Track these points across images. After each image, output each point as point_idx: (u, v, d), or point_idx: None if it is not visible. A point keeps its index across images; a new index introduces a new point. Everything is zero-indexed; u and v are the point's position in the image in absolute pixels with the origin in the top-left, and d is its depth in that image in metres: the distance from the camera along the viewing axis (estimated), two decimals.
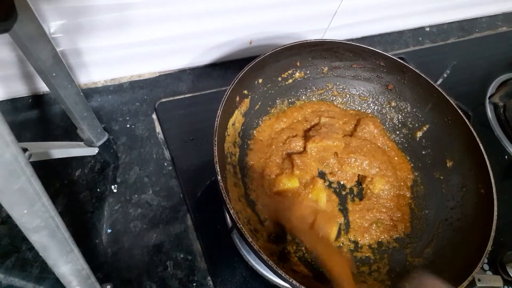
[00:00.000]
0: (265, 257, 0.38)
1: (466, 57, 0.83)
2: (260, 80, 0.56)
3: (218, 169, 0.42)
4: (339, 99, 0.64)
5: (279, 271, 0.38)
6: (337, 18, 0.71)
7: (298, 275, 0.47)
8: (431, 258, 0.50)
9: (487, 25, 0.92)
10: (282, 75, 0.59)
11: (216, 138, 0.44)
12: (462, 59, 0.79)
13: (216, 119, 0.45)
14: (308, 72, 0.60)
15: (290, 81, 0.60)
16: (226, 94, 0.47)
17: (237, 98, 0.52)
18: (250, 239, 0.39)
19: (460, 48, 0.86)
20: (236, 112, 0.53)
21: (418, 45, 0.84)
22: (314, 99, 0.63)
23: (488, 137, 0.72)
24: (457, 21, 0.91)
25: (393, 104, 0.62)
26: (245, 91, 0.54)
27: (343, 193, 0.57)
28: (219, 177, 0.41)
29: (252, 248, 0.39)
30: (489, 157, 0.49)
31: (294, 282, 0.37)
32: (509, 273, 0.54)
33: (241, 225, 0.40)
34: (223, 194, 0.41)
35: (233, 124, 0.53)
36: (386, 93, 0.62)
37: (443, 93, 0.54)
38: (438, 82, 0.71)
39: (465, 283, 0.41)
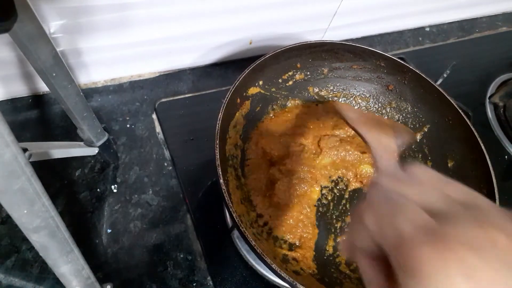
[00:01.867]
0: (268, 261, 0.38)
1: (466, 57, 0.83)
2: (261, 82, 0.56)
3: (220, 173, 0.41)
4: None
5: (283, 274, 0.38)
6: (337, 18, 0.71)
7: (299, 277, 0.47)
8: None
9: (487, 25, 0.92)
10: (283, 77, 0.59)
11: (218, 141, 0.43)
12: (462, 59, 0.79)
13: (218, 122, 0.45)
14: (308, 73, 0.60)
15: (291, 82, 0.60)
16: (227, 97, 0.47)
17: (238, 101, 0.52)
18: (253, 243, 0.39)
19: (460, 48, 0.86)
20: (237, 114, 0.53)
21: (418, 45, 0.84)
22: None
23: (488, 137, 0.72)
24: (457, 21, 0.91)
25: (393, 104, 0.62)
26: (246, 93, 0.54)
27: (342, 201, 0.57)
28: (221, 181, 0.41)
29: (256, 251, 0.39)
30: (489, 157, 0.49)
31: (299, 286, 0.37)
32: None
33: (244, 229, 0.39)
34: (226, 198, 0.41)
35: (234, 127, 0.53)
36: (387, 94, 0.62)
37: (444, 93, 0.54)
38: (438, 82, 0.71)
39: None
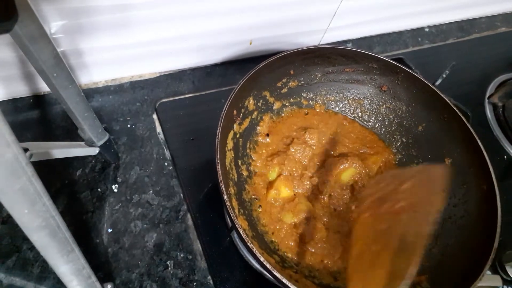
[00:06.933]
0: (269, 267, 0.39)
1: (465, 58, 0.83)
2: (255, 92, 0.56)
3: (223, 188, 0.41)
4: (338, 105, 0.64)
5: (284, 281, 0.38)
6: (336, 19, 0.71)
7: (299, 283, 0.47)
8: (438, 258, 0.49)
9: (486, 26, 0.93)
10: (277, 85, 0.58)
11: (218, 156, 0.43)
12: (461, 60, 0.79)
13: (217, 136, 0.44)
14: (302, 79, 0.60)
15: (285, 90, 0.60)
16: (224, 111, 0.46)
17: (235, 112, 0.52)
18: (262, 258, 0.39)
19: (459, 49, 0.86)
20: (235, 126, 0.53)
21: (417, 46, 0.84)
22: (318, 109, 0.64)
23: (487, 137, 0.72)
24: (456, 22, 0.91)
25: (388, 105, 0.62)
26: (242, 105, 0.54)
27: None
28: (225, 197, 0.41)
29: (263, 265, 0.39)
30: (488, 157, 0.49)
31: None
32: (509, 273, 0.54)
33: (250, 242, 0.40)
34: (230, 211, 0.40)
35: (232, 138, 0.53)
36: (381, 95, 0.62)
37: (438, 91, 0.54)
38: (437, 83, 0.71)
39: (477, 282, 0.41)
